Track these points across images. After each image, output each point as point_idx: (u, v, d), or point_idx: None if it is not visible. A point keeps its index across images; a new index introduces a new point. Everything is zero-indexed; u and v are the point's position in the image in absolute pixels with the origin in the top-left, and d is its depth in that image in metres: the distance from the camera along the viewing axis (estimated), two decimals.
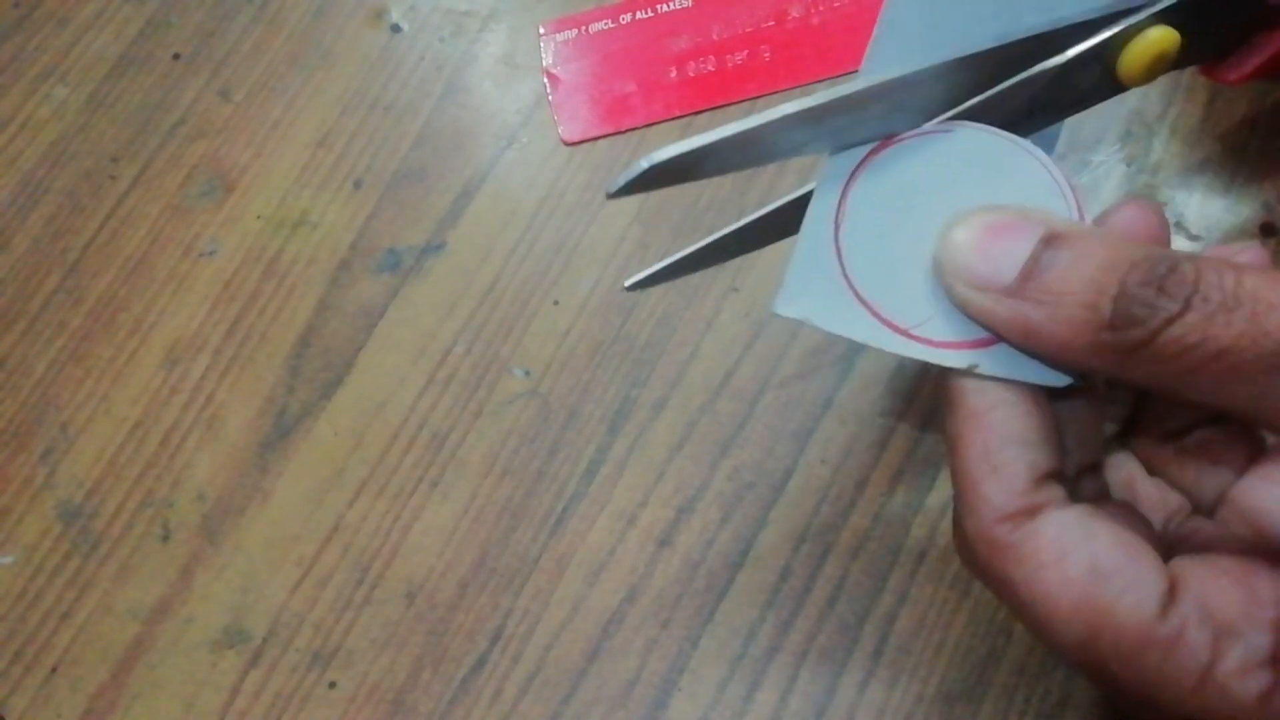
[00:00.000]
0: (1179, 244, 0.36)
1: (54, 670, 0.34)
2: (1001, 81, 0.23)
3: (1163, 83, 0.38)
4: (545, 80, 0.41)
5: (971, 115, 0.23)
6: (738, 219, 0.25)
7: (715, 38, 0.41)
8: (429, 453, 0.36)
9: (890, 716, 0.32)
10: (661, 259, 0.26)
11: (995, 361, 0.21)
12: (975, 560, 0.21)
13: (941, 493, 0.34)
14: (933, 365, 0.22)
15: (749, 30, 0.41)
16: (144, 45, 0.43)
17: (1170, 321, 0.18)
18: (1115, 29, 0.23)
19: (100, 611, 0.35)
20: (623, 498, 0.35)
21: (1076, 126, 0.38)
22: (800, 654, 0.32)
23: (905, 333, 0.22)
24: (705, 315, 0.37)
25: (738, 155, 0.22)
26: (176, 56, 0.43)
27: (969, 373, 0.21)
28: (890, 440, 0.35)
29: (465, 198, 0.39)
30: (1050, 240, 0.20)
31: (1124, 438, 0.25)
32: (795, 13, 0.41)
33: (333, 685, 0.34)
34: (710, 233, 0.26)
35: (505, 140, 0.40)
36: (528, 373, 0.37)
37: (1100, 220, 0.23)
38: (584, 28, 0.42)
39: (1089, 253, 0.20)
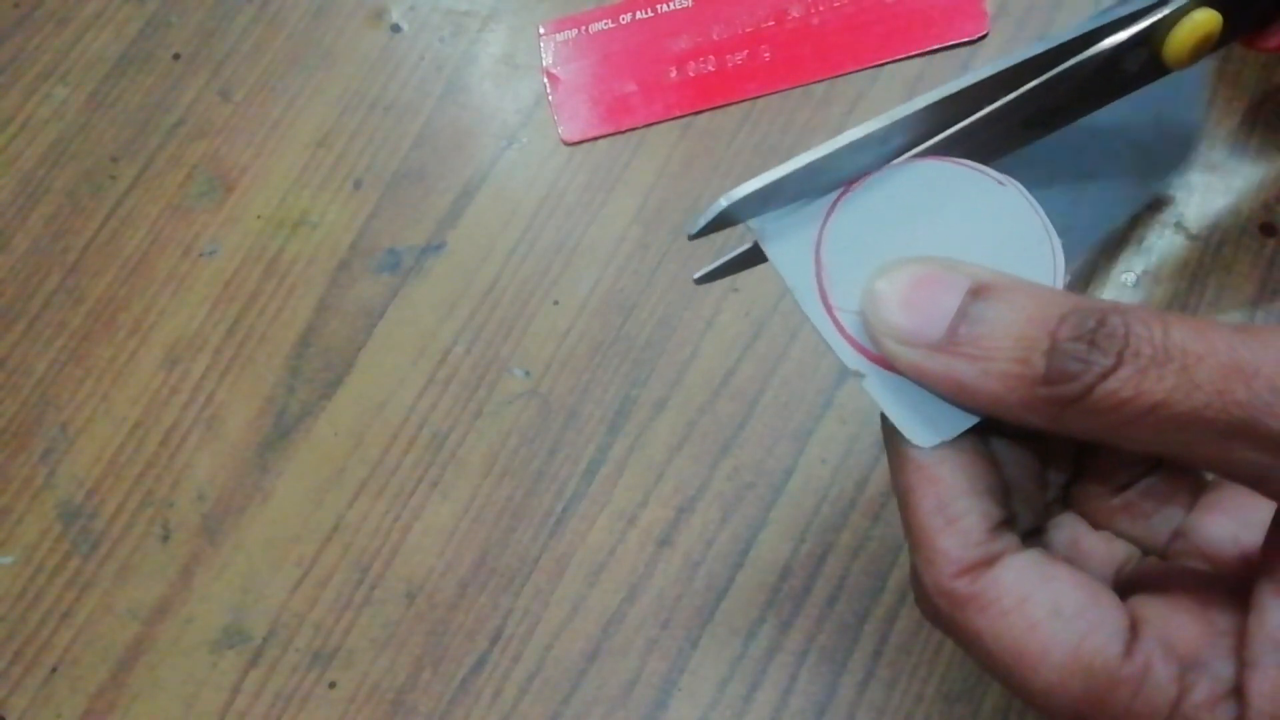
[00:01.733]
0: (1179, 243, 0.36)
1: (54, 670, 0.34)
2: (1046, 73, 0.23)
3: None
4: (545, 80, 0.41)
5: (1025, 100, 0.23)
6: None
7: (715, 38, 0.41)
8: (429, 453, 0.36)
9: (890, 716, 0.32)
10: (720, 256, 0.26)
11: (881, 384, 0.21)
12: (938, 614, 0.21)
13: None
14: (831, 353, 0.22)
15: (749, 30, 0.41)
16: (144, 45, 0.43)
17: (1104, 376, 0.18)
18: (1162, 13, 0.24)
19: (100, 611, 0.35)
20: (623, 498, 0.35)
21: None
22: (800, 654, 0.32)
23: (830, 309, 0.22)
24: (705, 315, 0.37)
25: (808, 182, 0.22)
26: (176, 56, 0.43)
27: (856, 375, 0.21)
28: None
29: (465, 198, 0.39)
30: (977, 292, 0.20)
31: (1065, 499, 0.26)
32: (795, 13, 0.41)
33: (333, 685, 0.34)
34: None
35: (505, 140, 0.40)
36: (528, 373, 0.37)
37: None
38: (584, 28, 0.42)
39: (1016, 305, 0.19)
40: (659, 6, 0.42)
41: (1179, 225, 0.36)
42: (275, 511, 0.36)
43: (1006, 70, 0.23)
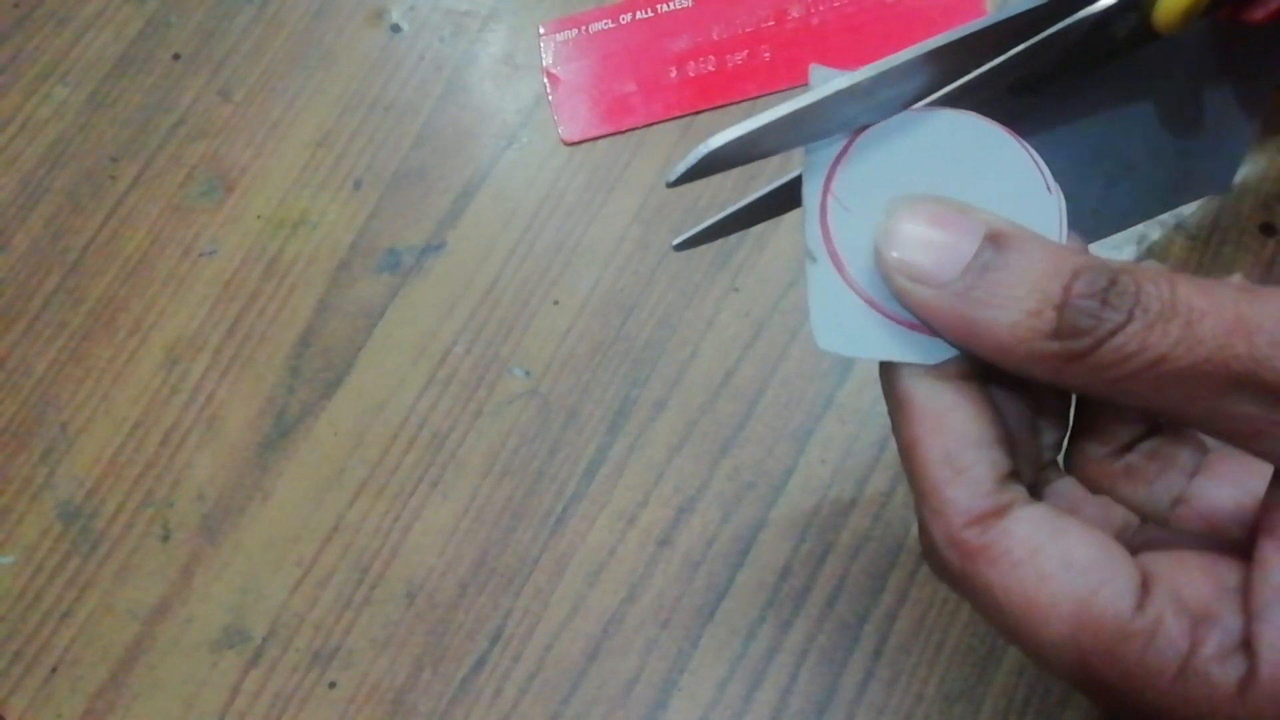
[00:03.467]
0: (1179, 243, 0.36)
1: (54, 670, 0.34)
2: (1034, 37, 0.23)
3: None
4: (545, 80, 0.41)
5: (1011, 66, 0.23)
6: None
7: (715, 38, 0.41)
8: (429, 453, 0.36)
9: (890, 716, 0.32)
10: (707, 219, 0.26)
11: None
12: (946, 567, 0.21)
13: None
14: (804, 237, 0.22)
15: (749, 30, 0.41)
16: (144, 45, 0.43)
17: (1113, 333, 0.18)
18: None
19: (100, 611, 0.35)
20: (623, 498, 0.35)
21: None
22: (800, 654, 0.32)
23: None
24: (705, 315, 0.37)
25: (790, 133, 0.22)
26: (176, 56, 0.43)
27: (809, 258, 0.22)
28: (890, 440, 0.35)
29: (465, 198, 0.39)
30: (994, 240, 0.20)
31: (1062, 463, 0.25)
32: (795, 13, 0.41)
33: (333, 685, 0.34)
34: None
35: (505, 140, 0.40)
36: (528, 373, 0.37)
37: None
38: (584, 28, 0.42)
39: (1034, 258, 0.20)
40: (659, 6, 0.42)
41: (1179, 225, 0.36)
42: (275, 511, 0.36)
43: (996, 27, 0.22)
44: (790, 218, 0.38)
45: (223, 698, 0.34)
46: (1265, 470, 0.19)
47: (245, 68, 0.42)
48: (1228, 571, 0.20)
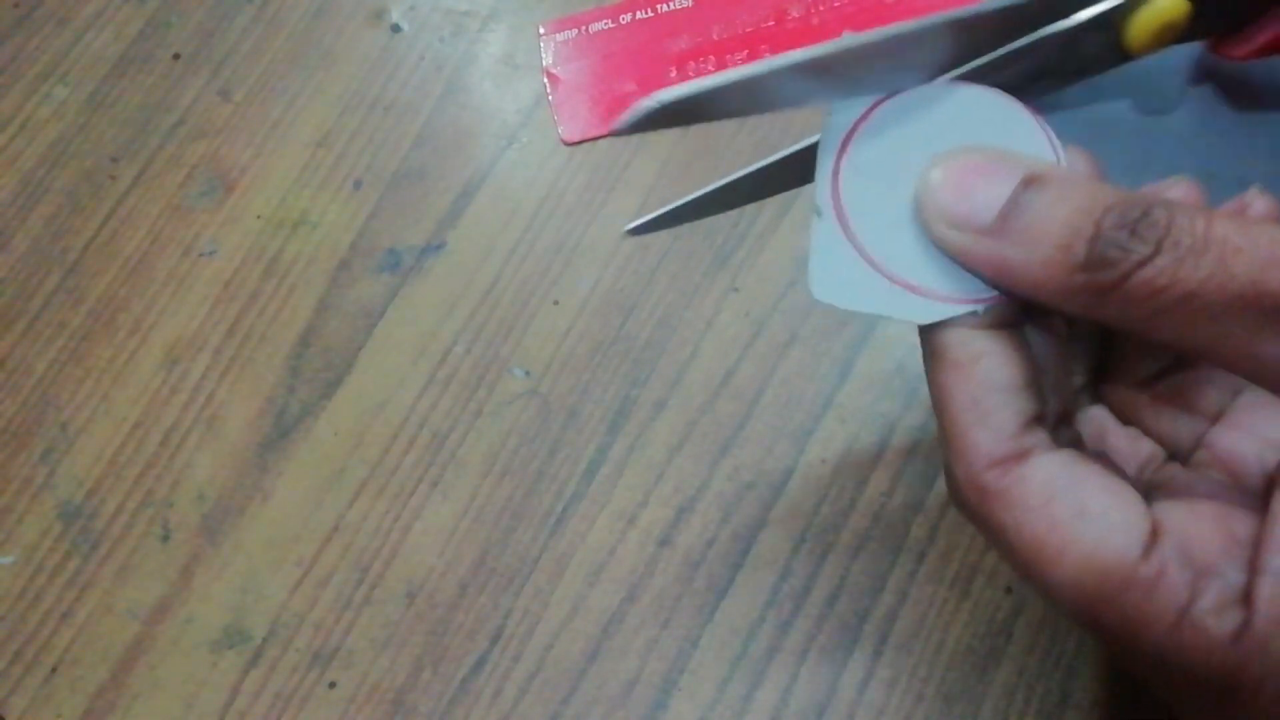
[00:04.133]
0: None
1: (54, 670, 0.34)
2: (1007, 44, 0.23)
3: None
4: (545, 80, 0.41)
5: (975, 76, 0.23)
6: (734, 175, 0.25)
7: (715, 38, 0.41)
8: (429, 453, 0.36)
9: (890, 716, 0.32)
10: (661, 207, 0.26)
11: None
12: (966, 505, 0.22)
13: (942, 492, 0.34)
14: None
15: (749, 30, 0.41)
16: (144, 45, 0.43)
17: (1141, 264, 0.19)
18: None
19: (100, 611, 0.35)
20: (623, 498, 0.35)
21: None
22: (800, 654, 0.32)
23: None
24: (705, 315, 0.37)
25: (740, 101, 0.22)
26: (176, 56, 0.43)
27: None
28: (890, 440, 0.35)
29: (465, 198, 0.39)
30: (1029, 182, 0.21)
31: (1094, 389, 0.26)
32: (795, 13, 0.41)
33: (333, 685, 0.34)
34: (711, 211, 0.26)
35: (505, 140, 0.40)
36: (528, 373, 0.37)
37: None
38: (584, 28, 0.42)
39: (1066, 195, 0.20)
40: (659, 6, 0.42)
41: None
42: (275, 511, 0.36)
43: (963, 20, 0.22)
44: (791, 218, 0.38)
45: (223, 698, 0.34)
46: None
47: (245, 68, 0.42)
48: (1240, 524, 0.20)
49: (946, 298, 0.22)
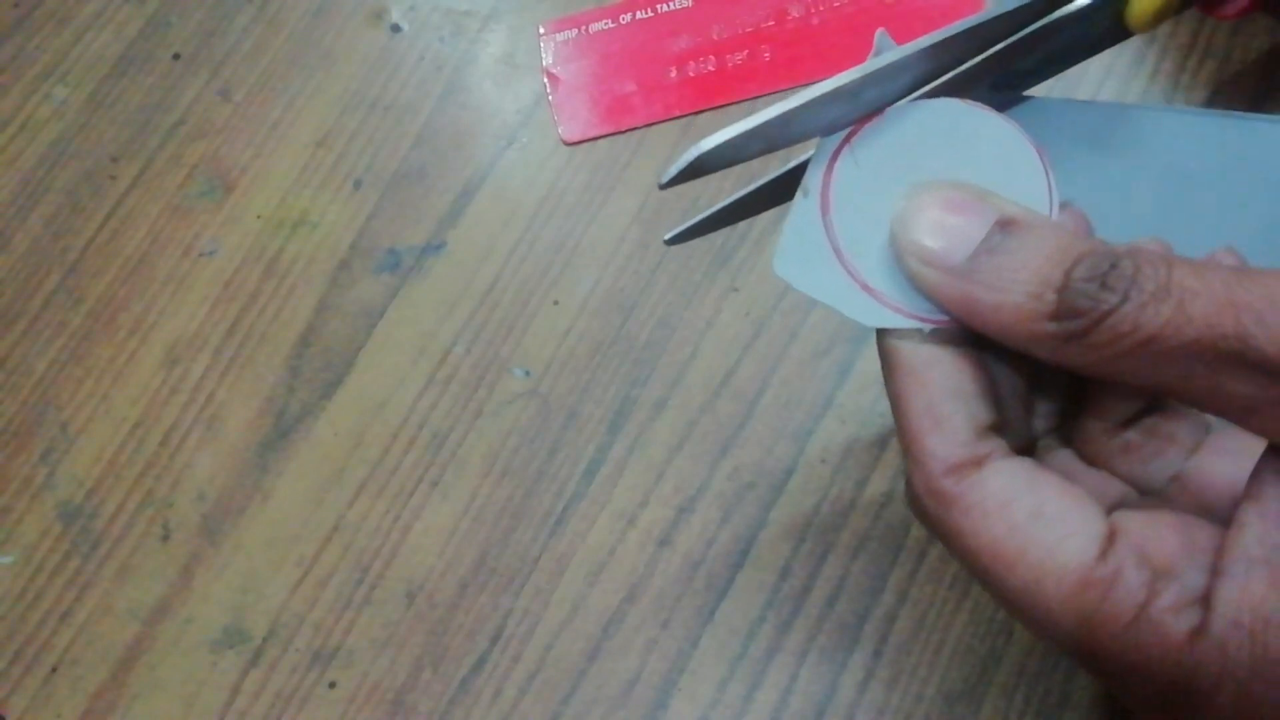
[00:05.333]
0: None
1: (54, 670, 0.34)
2: (1017, 33, 0.24)
3: (1167, 73, 0.38)
4: (545, 80, 0.41)
5: (995, 61, 0.24)
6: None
7: (715, 38, 0.41)
8: (429, 453, 0.36)
9: (890, 716, 0.32)
10: (697, 214, 0.26)
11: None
12: (925, 513, 0.22)
13: None
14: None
15: (749, 30, 0.41)
16: (144, 45, 0.43)
17: (1109, 314, 0.19)
18: None
19: (100, 611, 0.35)
20: (623, 498, 0.35)
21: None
22: (800, 654, 0.32)
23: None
24: (705, 315, 0.37)
25: (779, 135, 0.22)
26: (176, 56, 0.43)
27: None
28: (890, 440, 0.35)
29: (465, 198, 0.39)
30: (1004, 225, 0.21)
31: (1061, 433, 0.26)
32: (795, 13, 0.41)
33: (333, 685, 0.34)
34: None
35: (505, 140, 0.40)
36: (528, 373, 0.37)
37: None
38: (584, 28, 0.42)
39: (1040, 243, 0.20)
40: (659, 6, 0.42)
41: None
42: (275, 511, 0.36)
43: (983, 25, 0.23)
44: None
45: (223, 698, 0.34)
46: (1260, 450, 0.20)
47: (245, 68, 0.42)
48: (1201, 534, 0.20)
49: (897, 308, 0.22)
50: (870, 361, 0.36)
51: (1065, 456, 0.25)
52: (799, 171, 0.24)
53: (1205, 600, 0.19)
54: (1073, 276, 0.19)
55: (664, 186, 0.22)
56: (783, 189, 0.26)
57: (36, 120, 0.42)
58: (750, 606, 0.33)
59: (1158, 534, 0.20)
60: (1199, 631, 0.19)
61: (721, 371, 0.36)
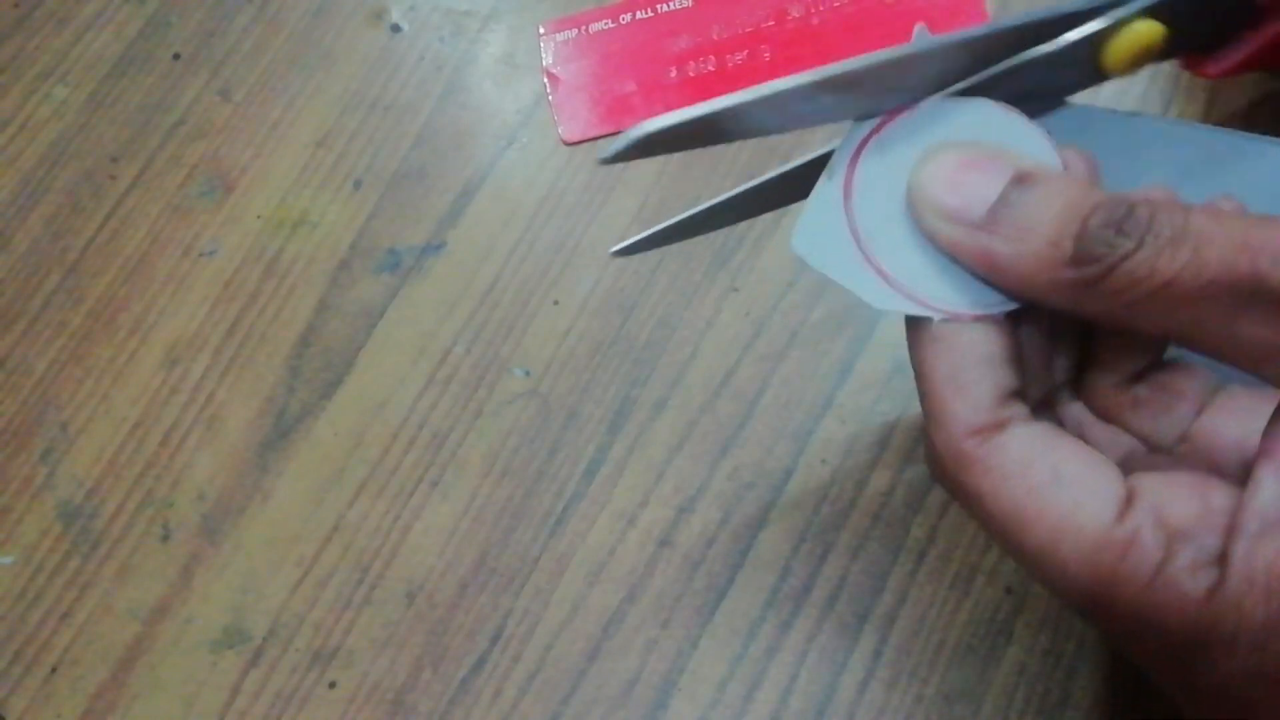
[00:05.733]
0: None
1: (54, 670, 0.34)
2: (995, 65, 0.24)
3: (1163, 84, 0.38)
4: (545, 80, 0.41)
5: (968, 94, 0.24)
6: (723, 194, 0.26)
7: (715, 38, 0.41)
8: (429, 453, 0.36)
9: (890, 716, 0.32)
10: (651, 227, 0.26)
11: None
12: (944, 474, 0.22)
13: (941, 492, 0.34)
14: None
15: (749, 30, 0.41)
16: (144, 45, 0.43)
17: (1125, 258, 0.19)
18: (1105, 21, 0.24)
19: (100, 611, 0.35)
20: (623, 498, 0.35)
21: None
22: (800, 654, 0.32)
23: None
24: (705, 315, 0.37)
25: (733, 127, 0.22)
26: (176, 56, 0.43)
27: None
28: (890, 440, 0.35)
29: (465, 198, 0.39)
30: (1020, 179, 0.21)
31: (1074, 387, 0.26)
32: (795, 13, 0.41)
33: (333, 685, 0.34)
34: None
35: (505, 140, 0.40)
36: (528, 373, 0.37)
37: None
38: (584, 28, 0.42)
39: (1056, 194, 0.21)
40: (659, 6, 0.42)
41: None
42: (275, 511, 0.36)
43: (946, 48, 0.23)
44: (791, 219, 0.38)
45: (223, 698, 0.34)
46: (1270, 408, 0.20)
47: (245, 68, 0.42)
48: (1218, 495, 0.20)
49: (909, 295, 0.23)
50: (870, 361, 0.36)
51: (1077, 410, 0.25)
52: (761, 190, 0.25)
53: (1221, 559, 0.19)
54: (1090, 224, 0.20)
55: (604, 162, 0.22)
56: (744, 205, 0.26)
57: (36, 120, 0.42)
58: (750, 606, 0.33)
59: (1175, 496, 0.20)
60: (1215, 589, 0.19)
61: (721, 371, 0.36)
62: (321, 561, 0.35)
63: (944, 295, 0.22)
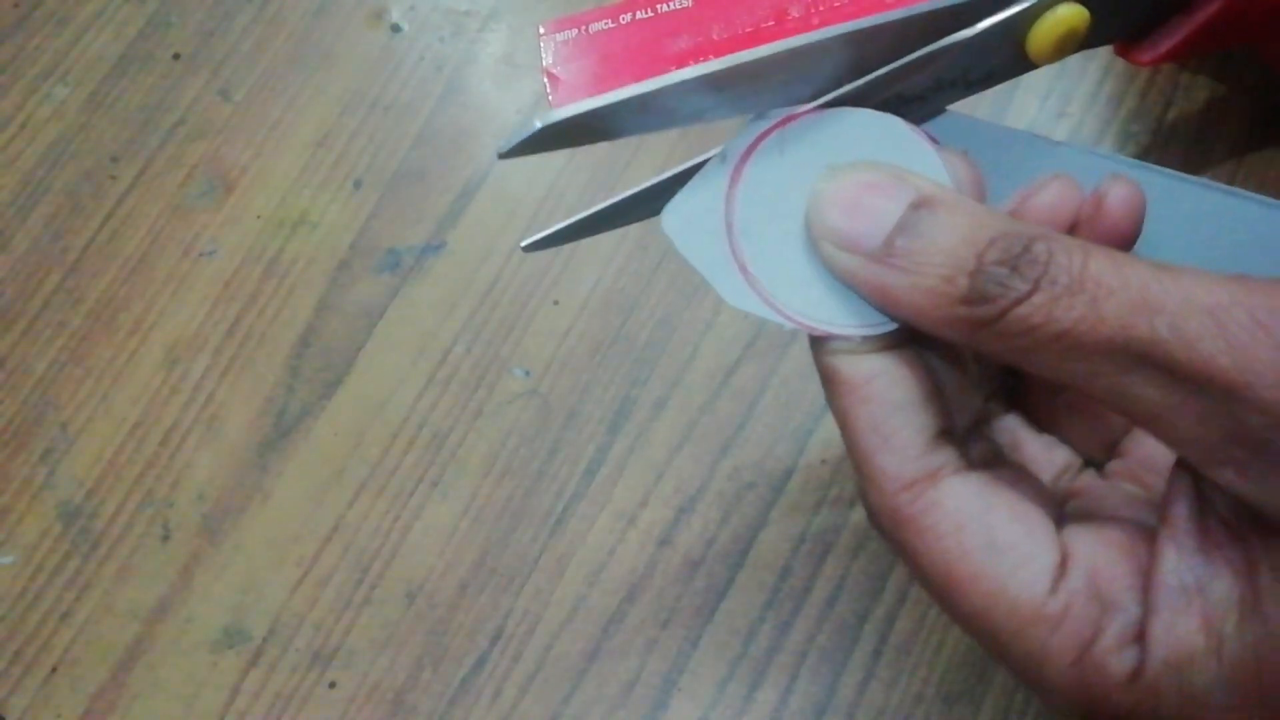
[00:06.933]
0: None
1: (54, 670, 0.34)
2: (908, 53, 0.23)
3: (1162, 84, 0.38)
4: (545, 80, 0.41)
5: (878, 86, 0.23)
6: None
7: (715, 38, 0.41)
8: (429, 453, 0.36)
9: (890, 716, 0.32)
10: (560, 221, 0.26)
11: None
12: (882, 530, 0.22)
13: None
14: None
15: (749, 30, 0.41)
16: (144, 45, 0.43)
17: (1018, 302, 0.19)
18: (1025, 4, 0.23)
19: (100, 611, 0.35)
20: (623, 498, 0.35)
21: (1077, 127, 0.38)
22: (800, 654, 0.32)
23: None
24: (705, 315, 0.37)
25: (638, 119, 0.22)
26: (176, 56, 0.43)
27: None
28: None
29: (465, 198, 0.39)
30: (918, 205, 0.20)
31: (1009, 398, 0.26)
32: (795, 13, 0.41)
33: (333, 685, 0.34)
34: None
35: (505, 140, 0.40)
36: (528, 373, 0.37)
37: (1024, 198, 0.23)
38: (584, 28, 0.42)
39: (953, 223, 0.20)
40: (659, 6, 0.42)
41: None
42: (275, 511, 0.36)
43: (856, 33, 0.22)
44: None
45: (223, 698, 0.34)
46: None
47: (245, 68, 0.42)
48: (1145, 550, 0.20)
49: (767, 300, 0.22)
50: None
51: (1012, 421, 0.25)
52: (666, 185, 0.24)
53: (1142, 637, 0.19)
54: (985, 259, 0.19)
55: (503, 156, 0.21)
56: (654, 201, 0.25)
57: (36, 120, 0.42)
58: (750, 606, 0.33)
59: (1107, 557, 0.20)
60: (1137, 674, 0.19)
61: (721, 371, 0.36)
62: (321, 561, 0.35)
63: (826, 311, 0.22)
